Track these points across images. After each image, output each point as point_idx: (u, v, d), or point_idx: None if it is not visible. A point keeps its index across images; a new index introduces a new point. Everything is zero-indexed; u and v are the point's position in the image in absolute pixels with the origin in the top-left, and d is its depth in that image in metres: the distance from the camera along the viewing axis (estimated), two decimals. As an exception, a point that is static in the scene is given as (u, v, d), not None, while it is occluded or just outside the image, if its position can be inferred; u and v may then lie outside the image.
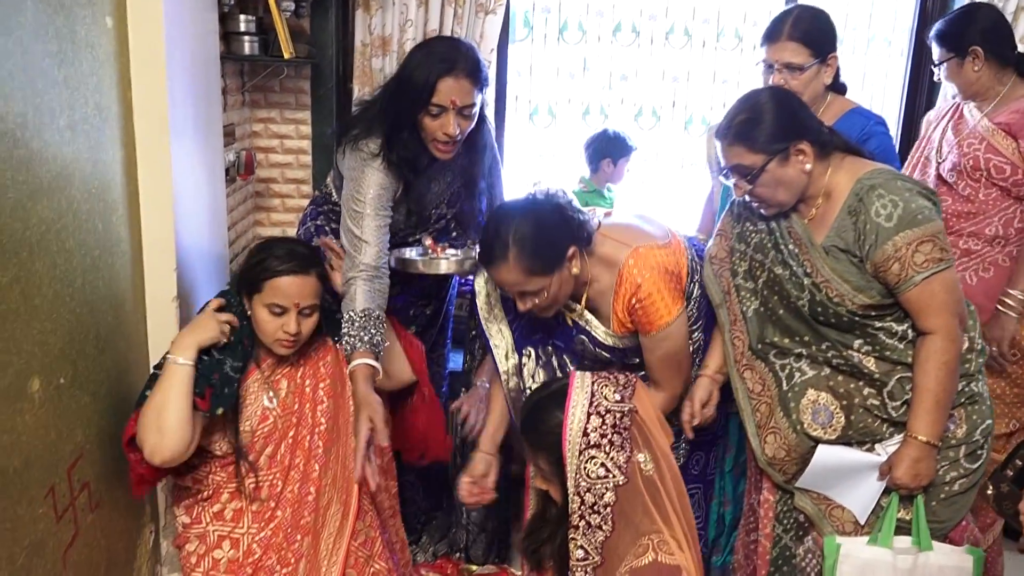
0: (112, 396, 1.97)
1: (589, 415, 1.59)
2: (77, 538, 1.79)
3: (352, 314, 2.07)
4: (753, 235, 1.93)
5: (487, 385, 2.29)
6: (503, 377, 2.09)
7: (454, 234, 2.38)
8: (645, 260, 1.89)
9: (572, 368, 2.05)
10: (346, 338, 2.06)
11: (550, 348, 2.12)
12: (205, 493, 2.06)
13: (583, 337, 2.03)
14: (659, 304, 1.89)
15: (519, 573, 2.32)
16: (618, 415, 1.59)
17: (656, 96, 3.85)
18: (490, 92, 3.30)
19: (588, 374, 1.67)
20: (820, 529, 1.89)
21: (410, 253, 2.28)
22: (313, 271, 1.97)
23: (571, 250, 1.86)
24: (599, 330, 1.99)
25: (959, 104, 2.52)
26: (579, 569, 1.58)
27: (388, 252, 2.14)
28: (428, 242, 2.27)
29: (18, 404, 1.54)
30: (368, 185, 2.11)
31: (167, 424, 1.78)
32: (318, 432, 2.09)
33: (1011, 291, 2.32)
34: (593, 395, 1.61)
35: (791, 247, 1.84)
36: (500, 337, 2.15)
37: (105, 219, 1.91)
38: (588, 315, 1.99)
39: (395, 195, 2.17)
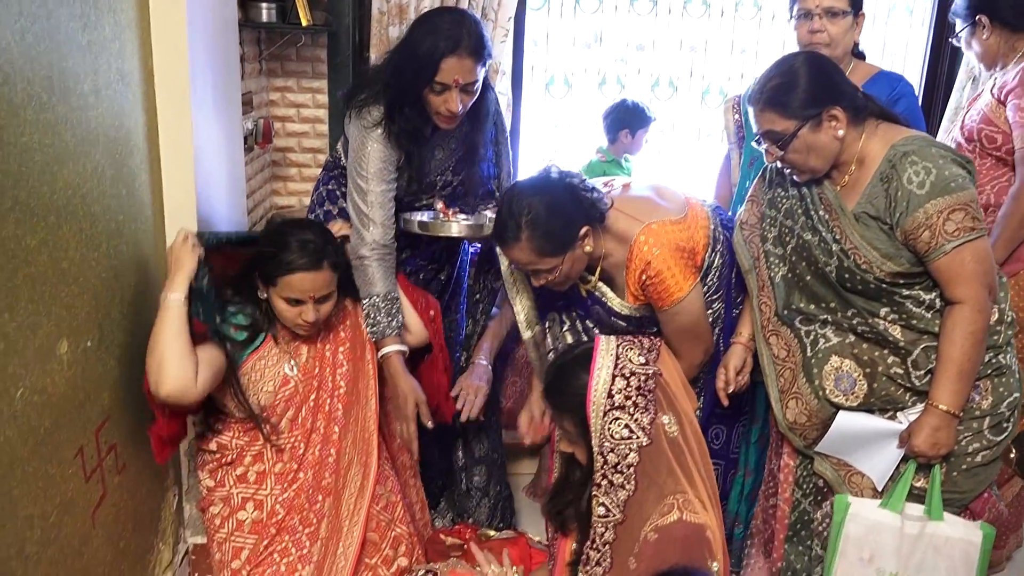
0: (137, 360, 1.99)
1: (614, 377, 1.61)
2: (105, 499, 1.83)
3: (376, 299, 2.13)
4: (784, 201, 1.92)
5: (483, 362, 2.35)
6: (525, 343, 2.14)
7: (465, 200, 2.39)
8: (656, 237, 1.89)
9: (596, 333, 2.07)
10: (372, 325, 2.14)
11: (573, 314, 2.14)
12: (228, 457, 2.09)
13: (598, 308, 2.05)
14: (669, 281, 1.90)
15: (536, 538, 2.34)
16: (643, 377, 1.61)
17: (673, 66, 3.81)
18: (506, 62, 3.29)
19: (613, 337, 1.68)
20: (839, 494, 1.90)
21: (421, 216, 2.30)
22: (326, 263, 1.98)
23: (584, 230, 1.87)
24: (614, 301, 2.01)
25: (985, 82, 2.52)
26: (600, 525, 1.60)
27: (394, 225, 2.18)
28: (440, 206, 2.30)
29: (48, 365, 1.56)
30: (370, 159, 2.14)
31: (163, 355, 1.83)
32: (338, 395, 2.13)
33: None
34: (618, 358, 1.63)
35: (821, 213, 1.83)
36: (521, 306, 2.19)
37: (129, 185, 1.92)
38: (602, 287, 2.01)
39: (398, 164, 2.19)
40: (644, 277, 1.91)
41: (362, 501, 2.10)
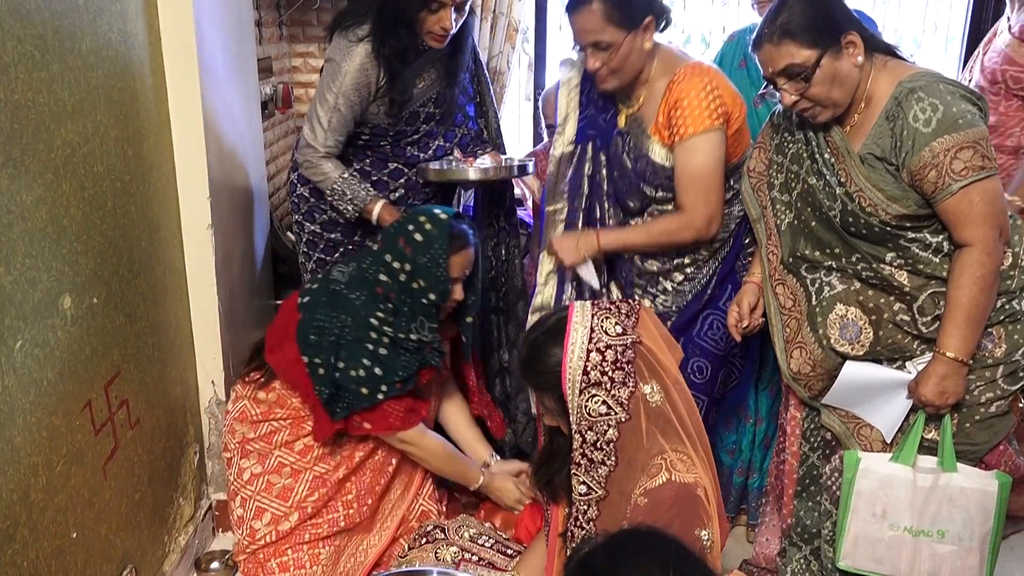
0: (149, 319, 2.04)
1: (589, 352, 1.52)
2: (116, 452, 1.88)
3: (336, 184, 2.26)
4: (791, 145, 1.87)
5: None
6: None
7: (444, 124, 2.42)
8: (699, 71, 1.97)
9: (611, 221, 2.15)
10: (350, 203, 2.25)
11: (599, 186, 2.16)
12: (279, 414, 2.12)
13: (629, 155, 2.07)
14: (696, 110, 1.93)
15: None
16: (620, 349, 1.52)
17: (705, 22, 3.73)
18: (527, 18, 3.25)
19: (588, 305, 1.59)
20: (847, 448, 1.85)
21: (437, 165, 2.35)
22: (472, 241, 2.10)
23: (648, 18, 1.94)
24: (645, 137, 2.04)
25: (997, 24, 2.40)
26: (582, 503, 1.55)
27: (341, 145, 2.27)
28: (457, 153, 2.34)
29: (49, 320, 1.60)
30: (348, 70, 2.19)
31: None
32: None
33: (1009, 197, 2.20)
34: (592, 330, 1.53)
35: (827, 156, 1.77)
36: (543, 269, 2.19)
37: (136, 146, 1.95)
38: (640, 115, 2.06)
39: (374, 88, 2.22)
40: (674, 101, 1.96)
41: (399, 509, 2.20)
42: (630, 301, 1.61)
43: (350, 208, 2.26)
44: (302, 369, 2.03)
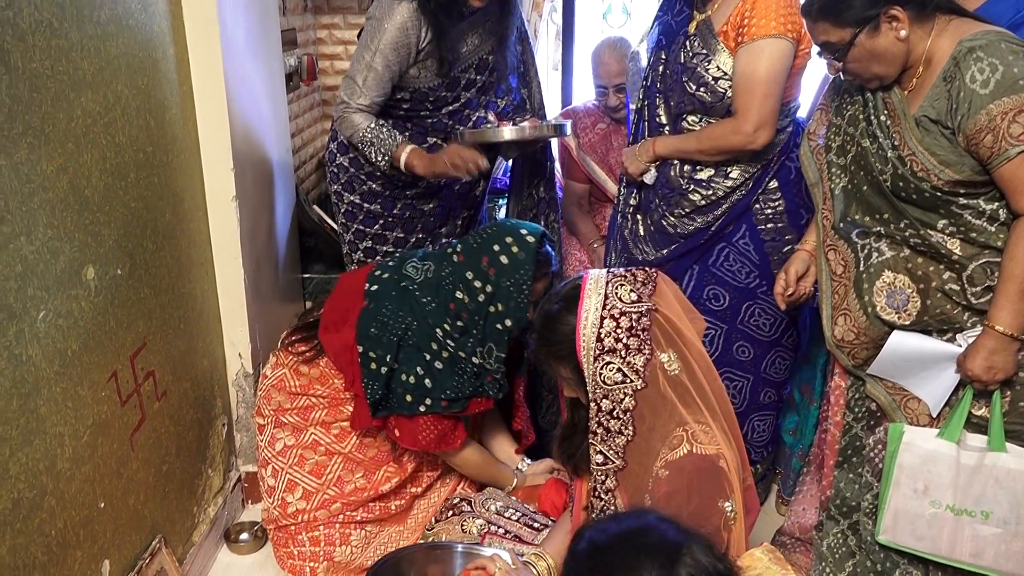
0: (174, 291, 2.04)
1: (602, 319, 1.48)
2: (144, 423, 1.88)
3: (365, 134, 2.20)
4: (849, 108, 1.82)
5: None
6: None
7: (496, 89, 2.39)
8: None
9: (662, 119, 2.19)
10: (380, 151, 2.19)
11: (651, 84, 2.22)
12: (319, 392, 2.11)
13: (689, 57, 2.07)
14: (771, 12, 1.92)
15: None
16: (634, 316, 1.48)
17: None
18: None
19: (603, 273, 1.56)
20: (893, 420, 1.79)
21: (472, 127, 2.32)
22: (554, 268, 2.09)
23: None
24: (711, 38, 2.02)
25: None
26: (600, 473, 1.52)
27: (381, 104, 2.22)
28: (491, 116, 2.30)
29: (72, 291, 1.60)
30: (388, 27, 2.13)
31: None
32: None
33: None
34: (607, 297, 1.50)
35: (883, 118, 1.71)
36: None
37: (158, 116, 1.94)
38: (711, 20, 2.05)
39: (414, 50, 2.17)
40: (751, 4, 1.95)
41: (436, 504, 2.20)
42: (647, 269, 1.56)
43: (380, 157, 2.18)
44: (354, 358, 1.99)
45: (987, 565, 1.73)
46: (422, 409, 1.99)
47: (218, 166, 2.19)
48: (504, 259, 1.96)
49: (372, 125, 2.18)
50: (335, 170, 2.43)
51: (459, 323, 1.99)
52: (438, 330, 2.00)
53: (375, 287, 2.05)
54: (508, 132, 2.25)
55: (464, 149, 2.17)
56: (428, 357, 1.99)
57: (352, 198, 2.41)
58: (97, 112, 1.67)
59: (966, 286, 1.66)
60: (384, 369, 1.98)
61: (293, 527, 2.11)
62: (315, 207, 2.97)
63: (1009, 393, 1.68)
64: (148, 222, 1.90)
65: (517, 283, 1.95)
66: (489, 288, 1.96)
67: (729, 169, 2.11)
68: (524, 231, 1.99)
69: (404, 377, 1.98)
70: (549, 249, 2.04)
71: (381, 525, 2.16)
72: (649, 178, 2.22)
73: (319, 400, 2.11)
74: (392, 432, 2.05)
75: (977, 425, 1.71)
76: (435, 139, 2.34)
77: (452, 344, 1.99)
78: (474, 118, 2.35)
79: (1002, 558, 1.71)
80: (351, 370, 2.01)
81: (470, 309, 1.98)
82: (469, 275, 1.98)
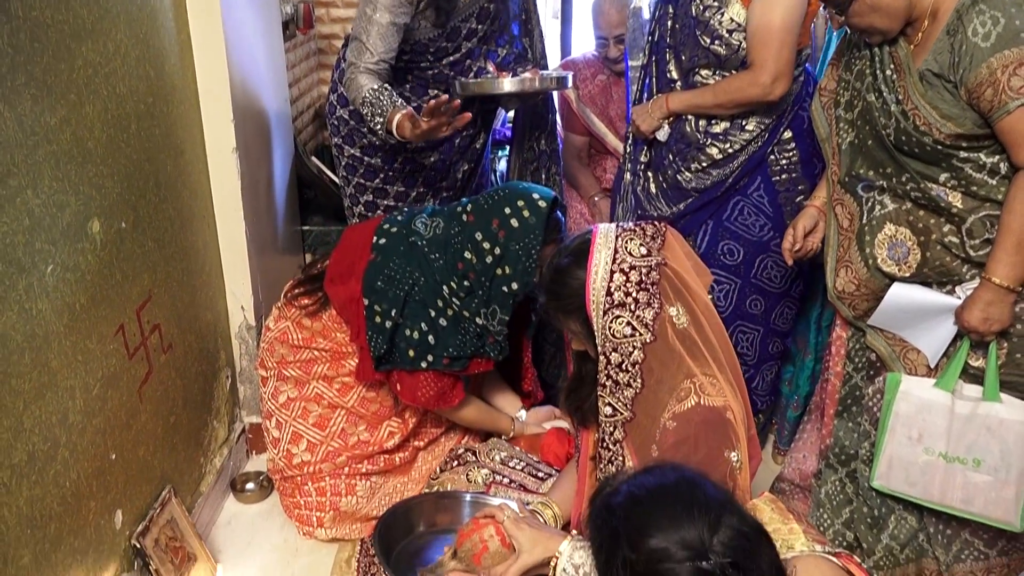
0: (177, 244, 2.03)
1: (612, 273, 1.49)
2: (151, 376, 1.89)
3: (367, 95, 2.07)
4: (857, 62, 1.81)
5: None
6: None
7: (497, 39, 2.35)
8: None
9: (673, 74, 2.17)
10: (378, 115, 2.05)
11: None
12: (321, 345, 2.11)
13: (700, 10, 2.04)
14: None
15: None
16: (643, 270, 1.49)
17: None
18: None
19: (613, 227, 1.56)
20: (892, 371, 1.82)
21: (473, 77, 2.28)
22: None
23: None
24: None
25: None
26: (608, 424, 1.54)
27: (391, 62, 2.14)
28: (491, 67, 2.26)
29: (79, 244, 1.59)
30: None
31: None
32: None
33: None
34: (616, 251, 1.50)
35: (888, 72, 1.70)
36: None
37: (157, 66, 1.91)
38: None
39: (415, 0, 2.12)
40: None
41: (439, 457, 2.22)
42: (656, 223, 1.56)
43: (379, 121, 2.11)
44: (360, 310, 2.00)
45: (977, 511, 1.78)
46: (423, 365, 2.00)
47: (218, 117, 2.16)
48: (514, 222, 1.94)
49: (375, 87, 2.09)
50: (335, 123, 2.40)
51: (465, 283, 1.99)
52: (444, 288, 1.99)
53: (383, 240, 2.05)
54: (508, 84, 2.22)
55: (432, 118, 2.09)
56: (433, 314, 1.99)
57: (353, 151, 2.39)
58: (98, 62, 1.64)
59: (965, 239, 1.67)
60: (388, 323, 1.98)
61: (299, 477, 2.14)
62: (313, 158, 2.94)
63: (1006, 345, 1.70)
64: (150, 174, 1.89)
65: (526, 247, 1.94)
66: (497, 250, 1.95)
67: (745, 121, 2.10)
68: (536, 195, 1.98)
69: (408, 332, 1.99)
70: (560, 215, 2.03)
71: (386, 476, 2.19)
72: (662, 135, 2.20)
73: (322, 354, 2.12)
74: (394, 387, 2.06)
75: (974, 376, 1.74)
76: (436, 91, 2.30)
77: (457, 303, 2.00)
78: (475, 68, 2.32)
79: (991, 505, 1.76)
80: (356, 322, 2.02)
81: (477, 270, 1.98)
82: (478, 236, 1.97)
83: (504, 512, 1.58)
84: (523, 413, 2.29)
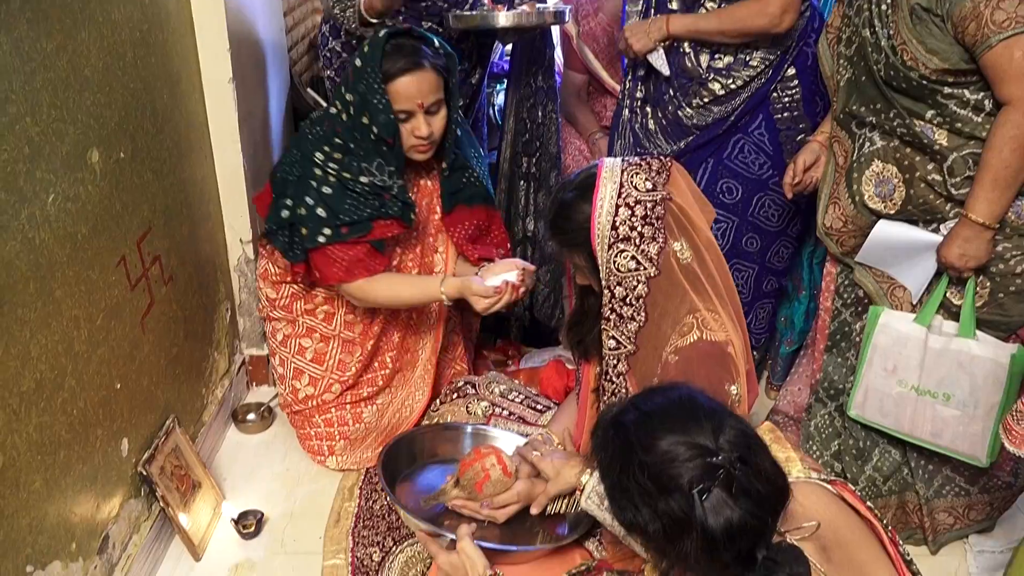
0: (175, 175, 2.01)
1: (617, 207, 1.49)
2: (153, 307, 1.90)
3: None
4: None
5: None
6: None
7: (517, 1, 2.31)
8: None
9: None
10: (347, 4, 2.04)
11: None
12: (294, 280, 2.12)
13: None
14: None
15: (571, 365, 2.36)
16: (649, 205, 1.50)
17: None
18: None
19: (618, 162, 1.55)
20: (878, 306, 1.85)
21: (468, 11, 2.24)
22: (426, 63, 1.86)
23: None
24: None
25: None
26: (612, 357, 1.56)
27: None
28: (487, 1, 2.22)
29: (79, 174, 1.57)
30: None
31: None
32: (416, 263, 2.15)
33: None
34: (622, 185, 1.50)
35: (883, 7, 1.68)
36: None
37: (151, -8, 1.86)
38: None
39: None
40: None
41: (433, 364, 2.22)
42: (661, 158, 1.56)
43: (349, 7, 2.02)
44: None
45: (944, 444, 1.83)
46: (321, 240, 1.92)
47: (214, 46, 2.12)
48: (357, 60, 1.85)
49: None
50: (328, 55, 2.36)
51: (337, 141, 1.92)
52: (317, 154, 1.92)
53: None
54: (503, 18, 2.17)
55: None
56: (315, 184, 1.92)
57: None
58: (92, -14, 1.60)
59: (947, 176, 1.68)
60: (285, 212, 1.94)
61: (307, 411, 2.18)
62: (309, 90, 2.90)
63: (988, 284, 1.72)
64: (147, 104, 1.86)
65: (369, 85, 1.83)
66: (351, 96, 1.86)
67: (749, 57, 2.07)
68: (388, 30, 1.87)
69: (300, 211, 1.93)
70: (407, 42, 1.87)
71: (391, 394, 2.21)
72: (655, 59, 2.13)
73: (298, 288, 2.14)
74: (315, 276, 2.00)
75: (955, 314, 1.77)
76: (429, 24, 2.26)
77: (334, 166, 1.92)
78: (470, 0, 2.27)
79: (959, 439, 1.81)
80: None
81: (344, 124, 1.90)
82: (342, 88, 1.90)
83: (534, 448, 1.62)
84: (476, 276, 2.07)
